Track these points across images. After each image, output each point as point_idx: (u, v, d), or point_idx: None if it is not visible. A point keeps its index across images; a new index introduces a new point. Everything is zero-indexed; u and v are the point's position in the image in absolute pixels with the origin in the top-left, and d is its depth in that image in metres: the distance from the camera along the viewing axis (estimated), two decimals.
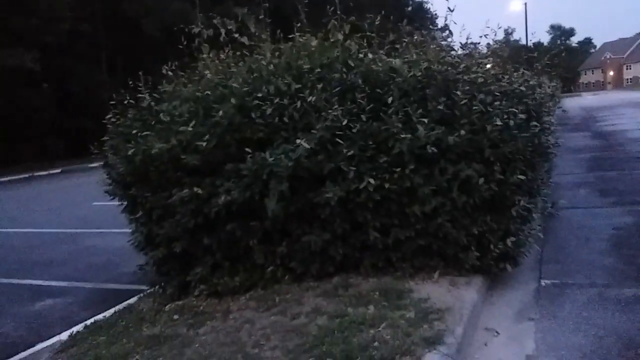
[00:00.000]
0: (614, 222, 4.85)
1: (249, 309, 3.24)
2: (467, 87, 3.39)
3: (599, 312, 3.04)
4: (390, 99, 3.27)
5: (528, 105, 3.60)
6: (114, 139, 3.80)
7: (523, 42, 56.99)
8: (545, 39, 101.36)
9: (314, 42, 3.63)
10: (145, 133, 3.55)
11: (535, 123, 3.46)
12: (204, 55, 4.13)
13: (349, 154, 3.16)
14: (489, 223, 3.35)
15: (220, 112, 3.33)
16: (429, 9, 75.22)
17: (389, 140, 3.17)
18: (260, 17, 4.34)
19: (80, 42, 25.97)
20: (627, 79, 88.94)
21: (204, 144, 3.30)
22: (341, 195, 3.13)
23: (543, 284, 3.57)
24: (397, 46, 3.91)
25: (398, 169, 3.14)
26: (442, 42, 4.19)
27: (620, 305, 3.11)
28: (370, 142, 3.20)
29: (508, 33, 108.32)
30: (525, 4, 45.78)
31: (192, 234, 3.48)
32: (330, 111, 3.22)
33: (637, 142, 10.45)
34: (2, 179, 18.12)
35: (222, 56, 4.13)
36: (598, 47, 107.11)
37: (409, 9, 71.20)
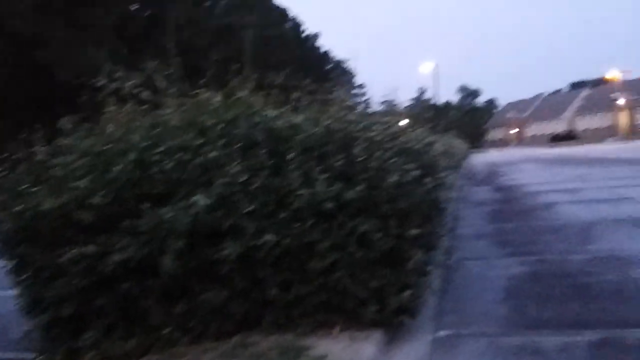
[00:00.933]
0: (508, 273, 5.12)
1: None
2: (366, 144, 3.54)
3: None
4: (291, 155, 3.35)
5: (423, 161, 3.81)
6: (2, 195, 3.59)
7: (434, 100, 60.80)
8: (455, 98, 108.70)
9: (217, 98, 3.68)
10: (36, 188, 3.39)
11: (429, 179, 3.66)
12: (108, 109, 4.06)
13: (249, 209, 3.17)
14: (387, 276, 3.44)
15: (118, 167, 3.25)
16: (347, 67, 78.96)
17: (289, 196, 3.23)
18: (170, 71, 4.35)
19: None
20: (528, 137, 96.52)
21: (99, 200, 3.20)
22: (240, 251, 3.12)
23: (439, 335, 3.67)
24: (304, 103, 4.05)
25: (297, 224, 3.18)
26: (348, 101, 4.37)
27: (510, 353, 3.26)
28: (271, 198, 3.24)
29: (421, 92, 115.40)
30: (436, 65, 49.08)
31: (84, 295, 3.30)
32: (230, 167, 3.24)
33: (533, 196, 11.25)
34: None
35: (128, 109, 4.07)
36: (502, 106, 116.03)
37: (329, 66, 74.38)
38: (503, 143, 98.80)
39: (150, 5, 37.73)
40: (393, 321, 3.51)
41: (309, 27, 57.64)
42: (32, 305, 3.47)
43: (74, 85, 23.91)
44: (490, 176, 19.07)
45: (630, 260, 5.12)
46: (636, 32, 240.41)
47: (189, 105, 3.72)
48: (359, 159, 3.42)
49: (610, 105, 76.14)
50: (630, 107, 73.39)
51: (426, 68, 49.63)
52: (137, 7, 38.24)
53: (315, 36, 68.98)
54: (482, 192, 13.09)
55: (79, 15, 28.60)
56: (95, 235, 3.26)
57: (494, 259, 5.89)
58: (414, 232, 3.45)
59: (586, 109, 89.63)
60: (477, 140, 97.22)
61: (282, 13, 55.11)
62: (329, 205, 3.21)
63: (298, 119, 3.54)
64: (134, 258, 3.11)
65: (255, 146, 3.44)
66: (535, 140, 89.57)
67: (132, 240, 3.14)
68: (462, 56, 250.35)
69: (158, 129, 3.55)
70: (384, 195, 3.36)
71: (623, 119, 74.41)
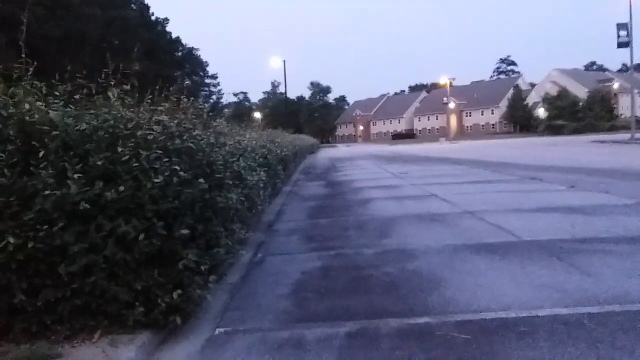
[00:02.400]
0: (304, 267, 5.35)
1: None
2: (133, 144, 3.42)
3: (255, 357, 3.26)
4: (43, 153, 3.12)
5: (199, 162, 3.80)
6: None
7: (287, 95, 61.84)
8: (307, 94, 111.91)
9: None
10: None
11: (202, 180, 3.65)
12: None
13: None
14: (155, 278, 3.37)
15: None
16: (200, 56, 77.17)
17: (37, 197, 3.00)
18: None
19: None
20: (374, 134, 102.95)
21: None
22: None
23: (216, 332, 3.70)
24: (77, 97, 3.79)
25: (45, 227, 2.98)
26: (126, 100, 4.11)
27: (275, 346, 3.40)
28: (15, 198, 2.99)
29: (275, 86, 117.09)
30: (284, 61, 49.84)
31: None
32: None
33: (357, 191, 11.95)
34: None
35: None
36: (351, 104, 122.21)
37: (179, 54, 71.98)
38: (351, 139, 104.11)
39: None
40: (163, 323, 3.46)
41: (157, 12, 55.07)
42: None
43: None
44: (327, 172, 19.88)
45: (411, 253, 5.64)
46: (468, 40, 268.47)
47: None
48: (124, 159, 3.30)
49: (442, 109, 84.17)
50: (459, 110, 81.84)
51: (276, 63, 50.30)
52: None
53: (164, 21, 66.22)
54: (314, 188, 13.59)
55: None
56: None
57: (298, 254, 6.10)
58: (183, 232, 3.42)
59: (423, 111, 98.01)
60: (328, 135, 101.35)
61: None
62: (85, 206, 3.05)
63: (55, 114, 3.30)
64: None
65: (3, 142, 3.14)
66: (380, 138, 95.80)
67: None
68: (312, 55, 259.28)
69: None
70: (148, 197, 3.28)
71: (453, 121, 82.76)
